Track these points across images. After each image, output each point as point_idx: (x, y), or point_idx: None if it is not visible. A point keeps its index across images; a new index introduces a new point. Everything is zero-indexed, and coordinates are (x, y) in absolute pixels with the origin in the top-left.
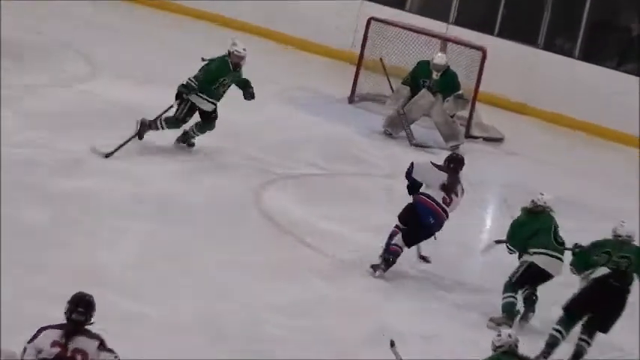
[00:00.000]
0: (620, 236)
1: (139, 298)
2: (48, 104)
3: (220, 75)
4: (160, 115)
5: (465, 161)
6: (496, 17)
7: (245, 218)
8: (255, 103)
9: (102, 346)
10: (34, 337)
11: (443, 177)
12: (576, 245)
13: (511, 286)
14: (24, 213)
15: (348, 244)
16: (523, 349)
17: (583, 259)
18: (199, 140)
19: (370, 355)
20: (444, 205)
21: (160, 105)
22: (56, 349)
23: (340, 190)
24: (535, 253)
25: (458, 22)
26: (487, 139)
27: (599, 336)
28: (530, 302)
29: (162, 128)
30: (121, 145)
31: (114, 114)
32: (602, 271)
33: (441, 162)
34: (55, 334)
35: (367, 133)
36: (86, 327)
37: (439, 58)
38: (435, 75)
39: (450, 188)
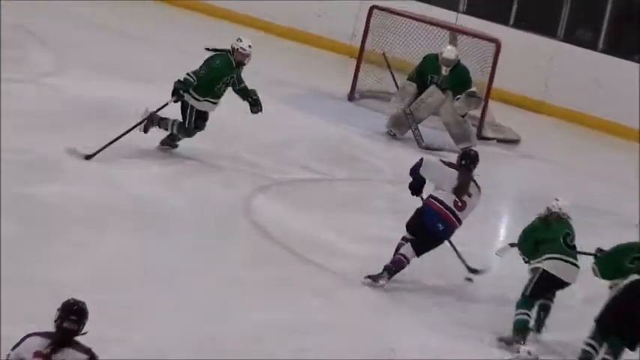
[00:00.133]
0: None
1: (118, 320)
2: (19, 103)
3: (224, 73)
4: (156, 112)
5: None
6: (511, 6)
7: (233, 229)
8: (238, 101)
9: None
10: (18, 343)
11: (454, 176)
12: (599, 250)
13: (525, 301)
14: None
15: (347, 258)
16: None
17: (611, 264)
18: (183, 141)
19: None
20: (455, 210)
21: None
22: None
23: (338, 197)
24: (546, 259)
25: (469, 12)
26: (501, 141)
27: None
28: (544, 311)
29: (172, 133)
30: (105, 147)
31: (91, 112)
32: (633, 277)
33: (440, 178)
34: (40, 344)
35: (369, 133)
36: (77, 339)
37: (449, 52)
38: (445, 70)
39: (462, 189)
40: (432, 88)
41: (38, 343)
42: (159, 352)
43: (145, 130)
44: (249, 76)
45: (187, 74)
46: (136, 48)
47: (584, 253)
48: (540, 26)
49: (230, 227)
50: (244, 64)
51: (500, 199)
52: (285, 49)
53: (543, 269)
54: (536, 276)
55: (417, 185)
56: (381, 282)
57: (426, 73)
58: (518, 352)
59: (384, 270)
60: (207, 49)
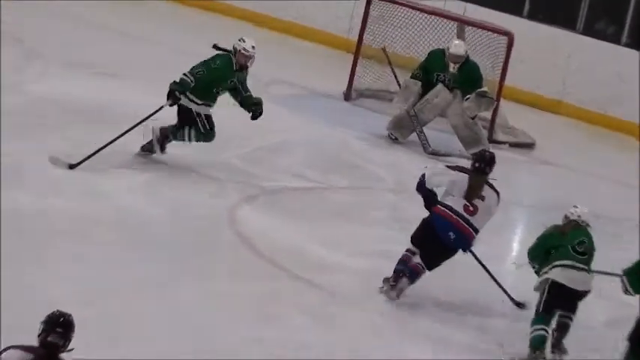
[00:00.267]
0: None
1: (102, 336)
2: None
3: (223, 76)
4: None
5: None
6: None
7: (219, 242)
8: (230, 102)
9: None
10: None
11: (464, 180)
12: (626, 272)
13: (539, 318)
14: None
15: (341, 274)
16: None
17: None
18: (168, 147)
19: None
20: (466, 215)
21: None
22: None
23: (333, 208)
24: (554, 267)
25: (478, 1)
26: (514, 145)
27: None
28: (561, 331)
29: (190, 141)
30: (90, 156)
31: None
32: None
33: (448, 182)
34: (21, 358)
35: (367, 137)
36: (62, 355)
37: (457, 47)
38: (453, 67)
39: (472, 192)
40: (439, 87)
41: (18, 357)
42: None
43: (162, 149)
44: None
45: (184, 74)
46: (128, 46)
47: (607, 274)
48: (557, 18)
49: (214, 239)
50: (247, 67)
51: (514, 209)
52: (275, 43)
53: (551, 280)
54: (545, 288)
55: (431, 202)
56: (400, 285)
57: (431, 70)
58: None
59: (395, 276)
60: (215, 47)
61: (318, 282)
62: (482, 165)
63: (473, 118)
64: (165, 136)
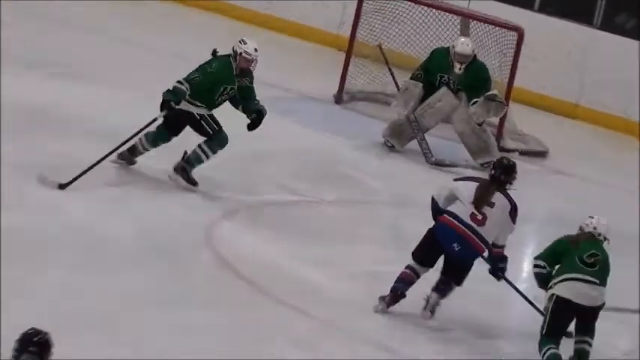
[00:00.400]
0: None
1: None
2: None
3: (222, 82)
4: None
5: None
6: None
7: (195, 263)
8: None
9: None
10: None
11: (473, 187)
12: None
13: (546, 341)
14: None
15: (332, 299)
16: None
17: None
18: (141, 158)
19: None
20: (473, 225)
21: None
22: None
23: (323, 224)
24: (559, 281)
25: None
26: (525, 153)
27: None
28: (581, 357)
29: (208, 156)
30: (83, 173)
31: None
32: None
33: (456, 188)
34: None
35: (361, 144)
36: None
37: (463, 45)
38: (458, 68)
39: (480, 199)
40: (443, 90)
41: None
42: None
43: (192, 183)
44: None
45: (178, 82)
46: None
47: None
48: (572, 11)
49: (189, 261)
50: (249, 72)
51: (524, 224)
52: (260, 40)
53: (557, 295)
54: (550, 305)
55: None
56: (431, 301)
57: (434, 71)
58: None
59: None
60: (214, 54)
61: (306, 308)
62: (498, 173)
63: (480, 125)
64: (183, 169)
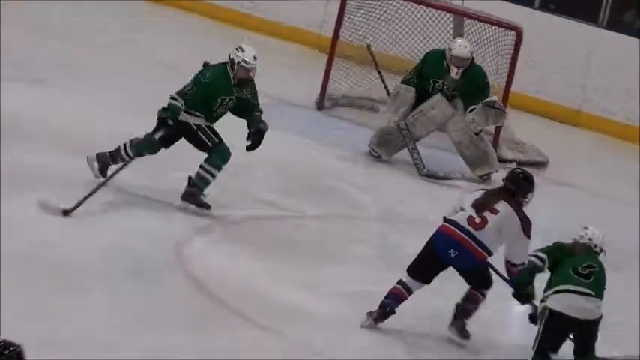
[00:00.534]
0: None
1: None
2: None
3: (218, 92)
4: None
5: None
6: None
7: (165, 285)
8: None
9: None
10: None
11: (480, 194)
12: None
13: (537, 358)
14: None
15: (315, 322)
16: None
17: None
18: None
19: None
20: (471, 230)
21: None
22: None
23: (306, 241)
24: (552, 293)
25: None
26: (523, 164)
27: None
28: None
29: (214, 175)
30: (88, 196)
31: None
32: None
33: (464, 199)
34: None
35: (346, 154)
36: None
37: (461, 48)
38: (455, 72)
39: (481, 203)
40: (437, 97)
41: None
42: None
43: (205, 206)
44: (188, 77)
45: (171, 98)
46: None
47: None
48: (576, 9)
49: (159, 282)
50: (248, 81)
51: None
52: (227, 39)
53: (549, 309)
54: (542, 319)
55: None
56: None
57: (427, 75)
58: None
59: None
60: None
61: (287, 332)
62: (508, 183)
63: (477, 134)
64: (191, 194)
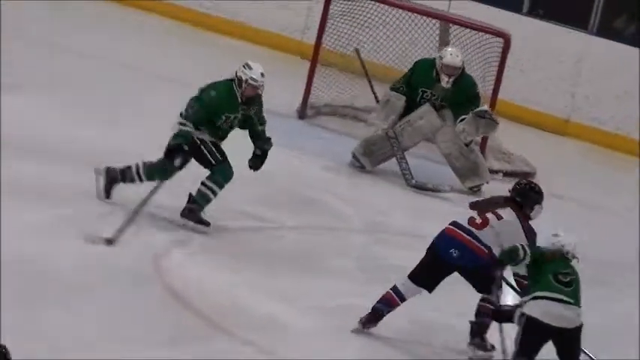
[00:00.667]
0: None
1: None
2: None
3: (223, 110)
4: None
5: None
6: None
7: (143, 298)
8: (157, 123)
9: None
10: None
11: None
12: None
13: None
14: None
15: (296, 336)
16: None
17: None
18: (76, 179)
19: None
20: (473, 230)
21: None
22: None
23: (286, 254)
24: (530, 299)
25: None
26: (510, 175)
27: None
28: None
29: (215, 193)
30: (127, 223)
31: None
32: None
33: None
34: None
35: (329, 164)
36: None
37: (452, 57)
38: (446, 82)
39: (484, 202)
40: (425, 107)
41: None
42: None
43: (205, 223)
44: (165, 84)
45: (179, 123)
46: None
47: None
48: (565, 14)
49: (137, 295)
50: (255, 99)
51: None
52: (204, 45)
53: (527, 316)
54: (520, 327)
55: None
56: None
57: (416, 85)
58: None
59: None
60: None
61: (265, 345)
62: (514, 194)
63: (468, 145)
64: (191, 211)
